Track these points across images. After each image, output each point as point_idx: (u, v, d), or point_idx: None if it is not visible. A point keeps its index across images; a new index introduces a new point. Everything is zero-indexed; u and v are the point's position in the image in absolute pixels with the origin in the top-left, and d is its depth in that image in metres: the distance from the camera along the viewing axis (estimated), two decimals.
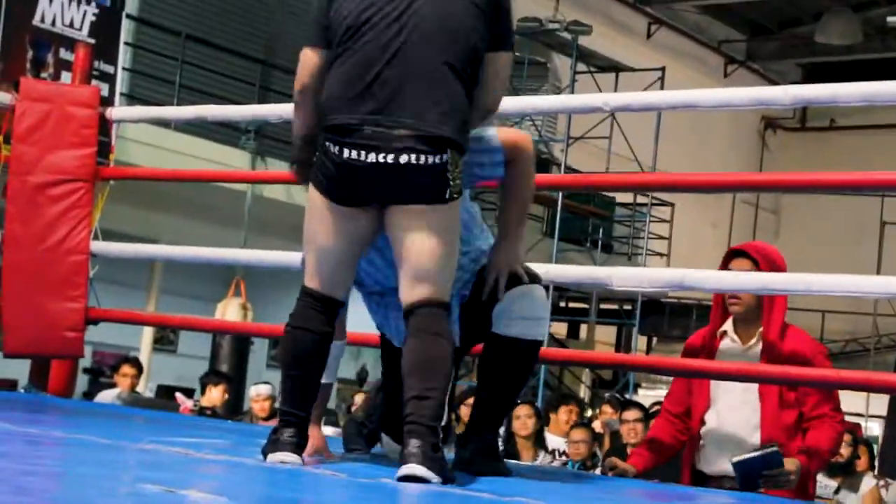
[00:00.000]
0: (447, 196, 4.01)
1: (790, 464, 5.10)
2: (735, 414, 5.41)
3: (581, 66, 20.67)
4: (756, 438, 5.30)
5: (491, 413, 4.66)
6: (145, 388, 13.42)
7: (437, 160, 3.98)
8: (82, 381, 12.80)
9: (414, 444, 3.81)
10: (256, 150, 15.25)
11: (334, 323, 4.24)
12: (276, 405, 11.75)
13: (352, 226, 4.13)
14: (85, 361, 12.03)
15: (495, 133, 4.47)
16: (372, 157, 3.96)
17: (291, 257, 5.92)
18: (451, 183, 4.01)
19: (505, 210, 4.70)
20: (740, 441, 5.33)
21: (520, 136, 4.63)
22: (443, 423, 4.11)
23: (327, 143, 4.05)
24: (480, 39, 4.12)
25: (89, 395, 12.86)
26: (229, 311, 12.65)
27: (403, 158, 3.95)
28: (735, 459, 5.08)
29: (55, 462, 3.79)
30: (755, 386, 5.37)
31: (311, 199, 4.19)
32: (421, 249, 4.03)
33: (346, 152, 3.99)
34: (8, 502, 2.50)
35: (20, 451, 3.82)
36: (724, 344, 5.54)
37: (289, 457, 3.97)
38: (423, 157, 3.97)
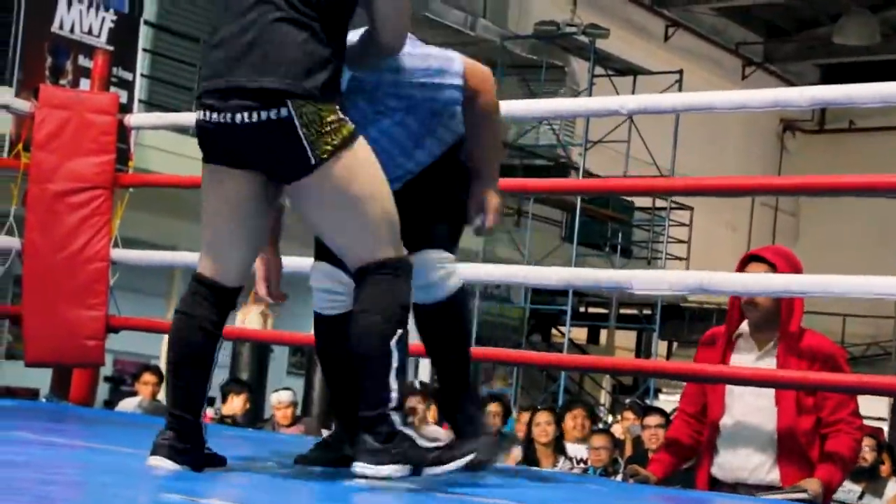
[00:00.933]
0: (313, 162, 3.67)
1: (813, 484, 5.10)
2: (751, 420, 5.35)
3: (598, 70, 20.70)
4: (773, 446, 5.29)
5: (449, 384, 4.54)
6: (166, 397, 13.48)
7: (272, 115, 3.66)
8: (103, 390, 12.83)
9: (362, 440, 3.73)
10: None
11: (224, 312, 3.96)
12: (299, 412, 11.87)
13: (231, 187, 3.84)
14: (106, 370, 12.04)
15: (456, 57, 4.21)
16: (214, 118, 3.74)
17: (309, 263, 5.93)
18: (313, 142, 3.66)
19: (472, 153, 4.35)
20: (756, 448, 5.34)
21: (481, 68, 4.26)
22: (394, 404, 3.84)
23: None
24: None
25: (111, 403, 12.89)
26: (249, 318, 12.65)
27: (238, 118, 3.68)
28: (764, 497, 5.10)
29: (76, 471, 3.76)
30: (771, 391, 5.33)
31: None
32: (328, 224, 3.86)
33: (199, 114, 3.81)
34: None
35: (41, 460, 3.80)
36: (740, 346, 5.54)
37: (162, 462, 3.68)
38: (254, 114, 3.68)
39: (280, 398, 11.75)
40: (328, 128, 3.65)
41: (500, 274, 9.57)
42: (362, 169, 3.76)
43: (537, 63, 20.95)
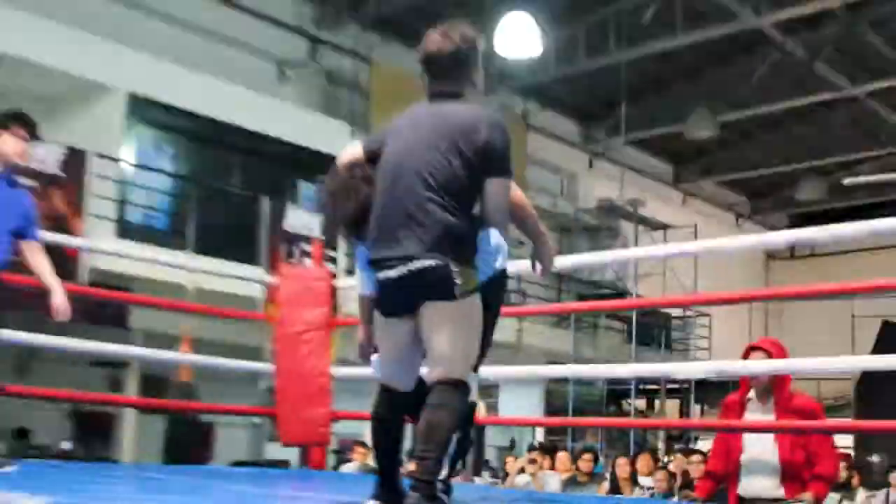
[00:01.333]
0: (455, 293, 3.66)
1: (808, 496, 5.30)
2: (761, 456, 5.52)
3: (640, 228, 20.83)
4: (777, 473, 5.44)
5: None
6: (373, 461, 13.53)
7: (440, 262, 3.65)
8: (331, 459, 12.93)
9: (411, 497, 3.55)
10: None
11: (400, 407, 3.91)
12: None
13: (400, 334, 3.81)
14: (332, 446, 12.18)
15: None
16: (395, 273, 3.70)
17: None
18: (457, 283, 3.66)
19: (527, 233, 4.18)
20: (766, 475, 5.47)
21: (516, 193, 4.02)
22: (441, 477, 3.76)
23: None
24: (466, 177, 3.75)
25: (336, 467, 12.98)
26: None
27: (416, 265, 3.67)
28: None
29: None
30: (772, 436, 5.50)
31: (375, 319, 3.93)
32: (437, 338, 3.69)
33: (378, 274, 3.77)
34: None
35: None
36: (750, 406, 5.70)
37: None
38: (427, 262, 3.67)
39: None
40: (465, 279, 3.68)
41: (588, 372, 9.73)
42: (475, 313, 3.76)
43: (599, 226, 21.13)
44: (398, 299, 3.77)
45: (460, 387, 3.70)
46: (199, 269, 10.91)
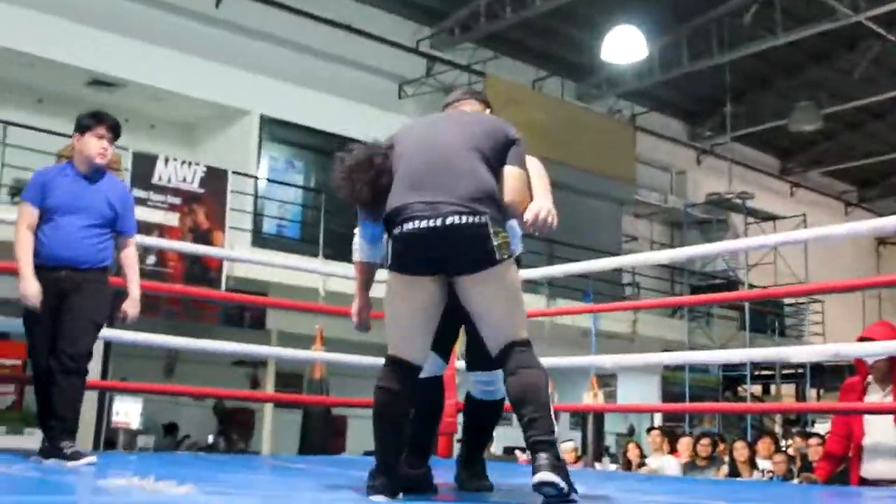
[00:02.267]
0: (498, 258, 3.36)
1: None
2: (883, 439, 5.36)
3: (750, 220, 20.47)
4: None
5: (473, 448, 4.14)
6: (496, 449, 13.55)
7: (477, 220, 3.35)
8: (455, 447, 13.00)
9: (542, 457, 3.20)
10: (550, 294, 15.38)
11: (411, 383, 3.51)
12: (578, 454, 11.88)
13: (424, 294, 3.45)
14: (458, 435, 12.22)
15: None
16: (424, 224, 3.35)
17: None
18: (497, 245, 3.36)
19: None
20: (889, 457, 5.32)
21: (519, 194, 3.63)
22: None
23: (391, 228, 3.46)
24: (494, 158, 3.55)
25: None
26: None
27: (449, 220, 3.34)
28: None
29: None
30: (891, 418, 5.32)
31: (388, 284, 3.53)
32: (494, 307, 3.41)
33: (404, 226, 3.38)
34: None
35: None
36: (870, 390, 5.53)
37: (381, 499, 3.30)
38: (464, 218, 3.35)
39: (566, 446, 11.79)
40: (502, 241, 3.39)
41: (704, 358, 9.59)
42: (517, 276, 3.53)
43: (709, 220, 20.81)
44: (428, 255, 3.41)
45: (531, 347, 3.44)
46: (329, 274, 11.09)
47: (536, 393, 3.32)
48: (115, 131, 4.91)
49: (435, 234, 3.36)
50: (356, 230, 4.02)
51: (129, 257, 4.98)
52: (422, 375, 3.62)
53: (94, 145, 4.82)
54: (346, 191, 3.61)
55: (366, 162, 3.57)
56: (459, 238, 3.37)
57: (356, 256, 4.02)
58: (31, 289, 4.59)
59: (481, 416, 4.18)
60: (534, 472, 3.19)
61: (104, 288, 4.85)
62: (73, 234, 4.71)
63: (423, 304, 3.46)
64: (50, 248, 4.68)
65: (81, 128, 4.86)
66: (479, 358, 3.91)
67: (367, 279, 4.04)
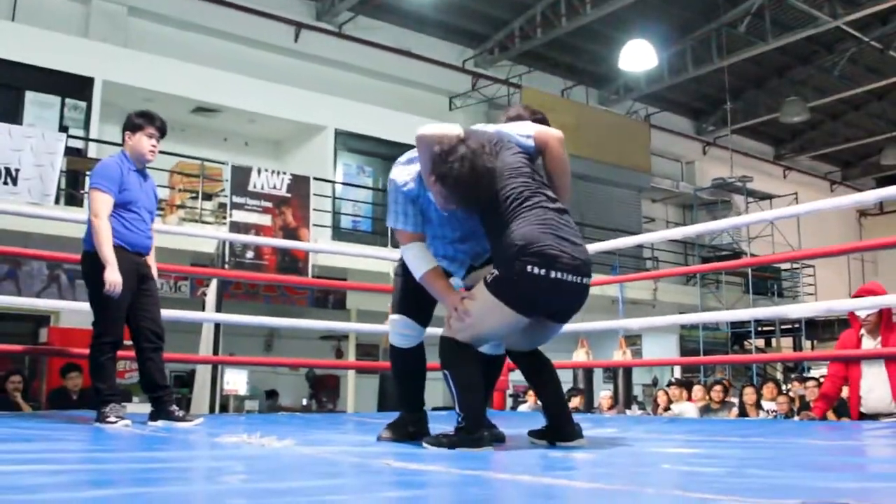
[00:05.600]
0: None
1: None
2: (876, 378, 5.33)
3: (749, 199, 20.19)
4: (889, 391, 5.25)
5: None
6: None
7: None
8: (510, 401, 12.97)
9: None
10: None
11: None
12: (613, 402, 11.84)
13: (517, 321, 3.11)
14: (509, 391, 12.20)
15: (530, 132, 3.29)
16: (576, 279, 3.02)
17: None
18: None
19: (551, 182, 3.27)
20: (882, 394, 5.30)
21: (550, 134, 3.31)
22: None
23: (529, 263, 2.96)
24: None
25: (514, 408, 12.96)
26: (578, 354, 12.59)
27: (586, 281, 3.08)
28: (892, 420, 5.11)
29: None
30: (882, 364, 5.30)
31: (489, 301, 3.06)
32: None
33: (553, 273, 2.98)
34: None
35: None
36: (864, 341, 5.48)
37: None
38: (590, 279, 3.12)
39: (603, 394, 11.75)
40: None
41: (715, 317, 9.48)
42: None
43: (715, 201, 20.54)
44: (560, 306, 3.13)
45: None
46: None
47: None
48: (162, 130, 4.56)
49: (581, 291, 3.10)
50: (404, 252, 3.40)
51: (153, 239, 4.64)
52: (412, 344, 3.47)
53: (146, 143, 4.48)
54: (464, 189, 3.08)
55: (479, 171, 3.07)
56: (585, 297, 3.15)
57: (424, 269, 3.30)
58: (118, 276, 4.24)
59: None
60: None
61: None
62: (143, 224, 4.47)
63: (510, 328, 3.18)
64: (131, 236, 4.40)
65: (133, 127, 4.50)
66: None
67: (446, 280, 3.34)
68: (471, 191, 3.08)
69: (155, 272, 4.62)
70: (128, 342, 4.47)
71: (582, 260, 3.07)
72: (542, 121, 3.58)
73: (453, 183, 3.07)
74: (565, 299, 3.10)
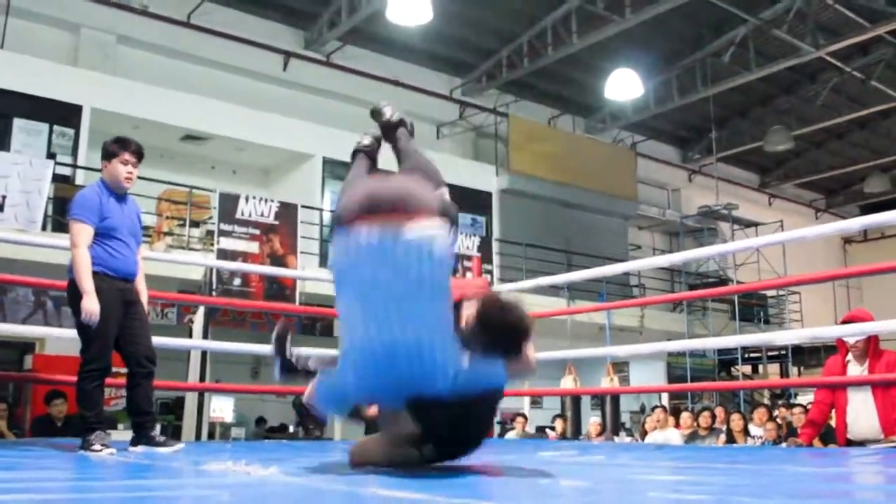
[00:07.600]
0: None
1: None
2: (863, 404, 5.34)
3: (735, 226, 20.27)
4: (876, 418, 5.25)
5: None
6: (530, 429, 13.43)
7: None
8: (497, 428, 12.91)
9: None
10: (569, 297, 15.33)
11: None
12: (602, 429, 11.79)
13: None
14: (496, 418, 12.14)
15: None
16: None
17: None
18: None
19: None
20: (867, 421, 5.31)
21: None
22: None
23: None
24: None
25: (501, 435, 12.93)
26: (565, 381, 12.54)
27: None
28: (876, 447, 5.11)
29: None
30: (869, 390, 5.31)
31: None
32: None
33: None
34: None
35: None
36: (850, 367, 5.48)
37: None
38: None
39: (591, 420, 11.70)
40: None
41: (702, 344, 9.51)
42: None
43: (701, 228, 20.62)
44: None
45: None
46: None
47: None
48: (138, 154, 4.50)
49: None
50: None
51: (140, 264, 4.60)
52: None
53: (121, 170, 4.42)
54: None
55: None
56: None
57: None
58: (96, 306, 4.21)
59: None
60: None
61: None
62: (127, 249, 4.42)
63: None
64: (115, 262, 4.35)
65: (108, 154, 4.46)
66: None
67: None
68: None
69: (144, 298, 4.58)
70: (121, 369, 4.43)
71: None
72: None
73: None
74: None
